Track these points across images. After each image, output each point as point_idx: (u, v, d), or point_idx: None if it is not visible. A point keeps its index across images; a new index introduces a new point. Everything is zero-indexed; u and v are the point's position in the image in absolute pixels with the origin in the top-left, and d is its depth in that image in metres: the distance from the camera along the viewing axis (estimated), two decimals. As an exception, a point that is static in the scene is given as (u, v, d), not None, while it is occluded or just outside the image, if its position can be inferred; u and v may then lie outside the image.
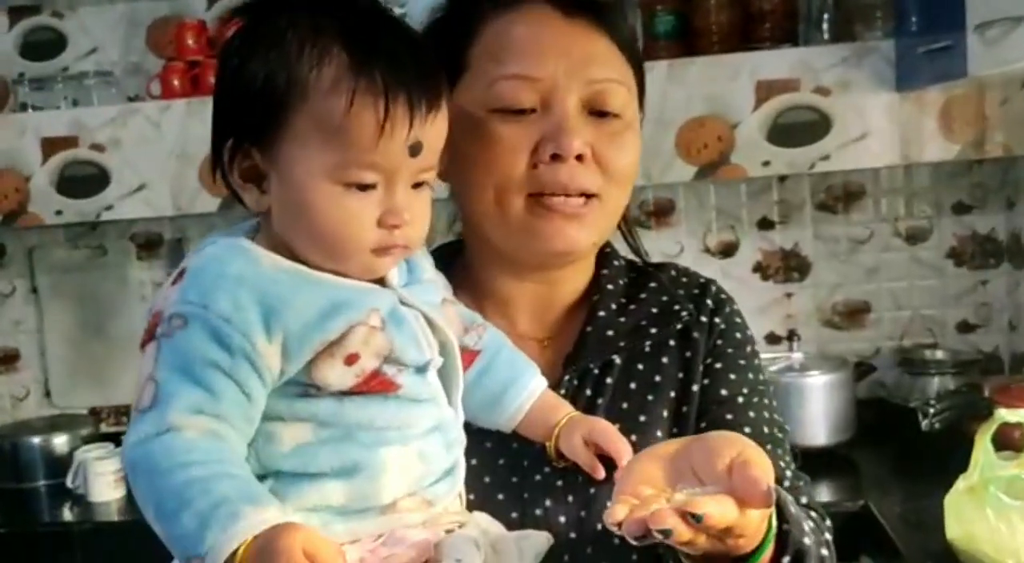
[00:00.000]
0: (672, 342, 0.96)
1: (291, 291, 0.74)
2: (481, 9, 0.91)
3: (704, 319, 0.97)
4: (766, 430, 0.94)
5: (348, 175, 0.74)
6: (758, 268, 2.29)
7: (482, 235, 0.93)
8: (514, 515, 0.88)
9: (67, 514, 2.07)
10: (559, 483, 0.89)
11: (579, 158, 0.87)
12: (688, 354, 0.96)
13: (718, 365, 0.96)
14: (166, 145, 2.06)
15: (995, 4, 1.44)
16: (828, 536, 0.89)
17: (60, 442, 2.24)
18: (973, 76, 1.59)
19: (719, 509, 0.65)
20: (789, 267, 2.28)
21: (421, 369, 0.78)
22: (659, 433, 0.92)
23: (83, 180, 2.14)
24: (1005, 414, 1.41)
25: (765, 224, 2.28)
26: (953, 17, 1.57)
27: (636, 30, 0.85)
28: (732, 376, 0.96)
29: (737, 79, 1.99)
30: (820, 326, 2.28)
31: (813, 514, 0.90)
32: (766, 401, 0.97)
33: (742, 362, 0.97)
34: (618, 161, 0.89)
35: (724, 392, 0.95)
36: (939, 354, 2.19)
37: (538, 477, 0.89)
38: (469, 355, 0.87)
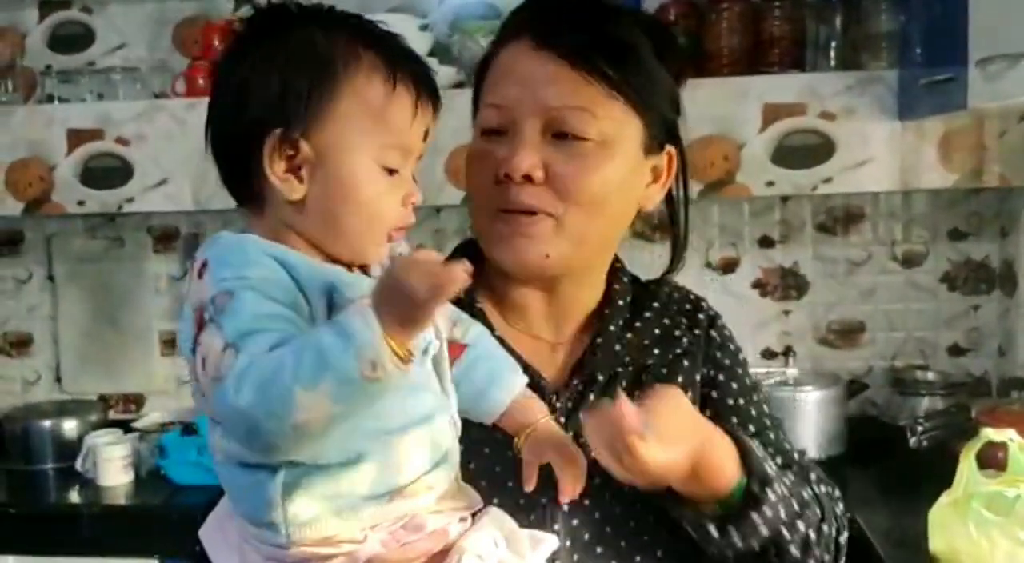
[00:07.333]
0: (676, 361, 1.04)
1: (306, 268, 0.77)
2: (495, 48, 1.02)
3: (699, 332, 1.07)
4: (767, 423, 1.05)
5: (388, 157, 0.81)
6: (757, 285, 2.34)
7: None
8: (521, 501, 0.93)
9: (75, 497, 2.11)
10: None
11: (529, 178, 0.94)
12: (687, 364, 1.04)
13: (721, 377, 1.06)
14: (190, 142, 2.09)
15: (996, 41, 1.48)
16: (838, 508, 1.01)
17: (70, 427, 2.28)
18: (973, 108, 1.63)
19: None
20: (787, 285, 2.33)
21: (424, 352, 0.81)
22: None
23: (106, 172, 2.19)
24: (991, 433, 1.46)
25: (766, 242, 2.33)
26: (956, 51, 1.61)
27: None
28: (734, 386, 1.05)
29: (745, 101, 2.03)
30: (815, 344, 2.33)
31: (822, 487, 1.00)
32: (757, 397, 1.07)
33: (739, 370, 1.07)
34: (577, 181, 0.95)
35: (730, 402, 1.04)
36: (930, 375, 2.22)
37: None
38: (458, 348, 0.91)
